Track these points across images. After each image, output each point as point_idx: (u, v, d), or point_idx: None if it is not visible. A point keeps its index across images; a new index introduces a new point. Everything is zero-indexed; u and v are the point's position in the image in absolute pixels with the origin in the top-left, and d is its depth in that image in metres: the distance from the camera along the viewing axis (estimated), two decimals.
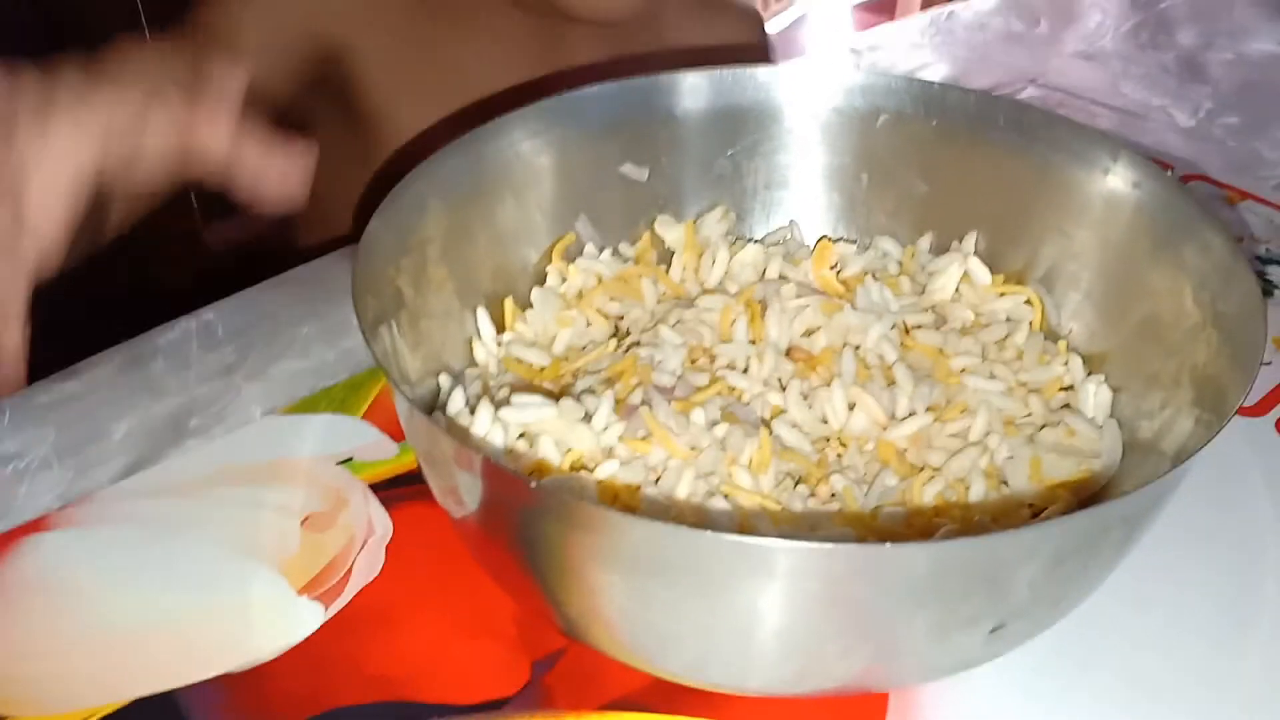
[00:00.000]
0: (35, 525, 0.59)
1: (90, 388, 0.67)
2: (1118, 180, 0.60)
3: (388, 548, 0.59)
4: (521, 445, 0.53)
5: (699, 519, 0.51)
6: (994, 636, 0.47)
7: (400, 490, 0.62)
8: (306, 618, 0.55)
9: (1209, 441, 0.47)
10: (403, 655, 0.54)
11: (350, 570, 0.57)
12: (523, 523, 0.47)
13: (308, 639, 0.55)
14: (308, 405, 0.67)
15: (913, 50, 1.15)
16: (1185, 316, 0.56)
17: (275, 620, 0.55)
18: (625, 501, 0.52)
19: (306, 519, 0.60)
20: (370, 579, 0.57)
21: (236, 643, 0.54)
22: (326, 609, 0.56)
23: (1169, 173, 0.59)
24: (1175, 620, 0.57)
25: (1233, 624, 0.58)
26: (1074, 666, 0.55)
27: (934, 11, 1.24)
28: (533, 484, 0.44)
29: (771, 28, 2.84)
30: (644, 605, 0.46)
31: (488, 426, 0.53)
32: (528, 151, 0.62)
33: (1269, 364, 0.73)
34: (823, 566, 0.43)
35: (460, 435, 0.53)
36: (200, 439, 0.65)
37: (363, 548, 0.59)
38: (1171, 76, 1.09)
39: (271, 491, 0.61)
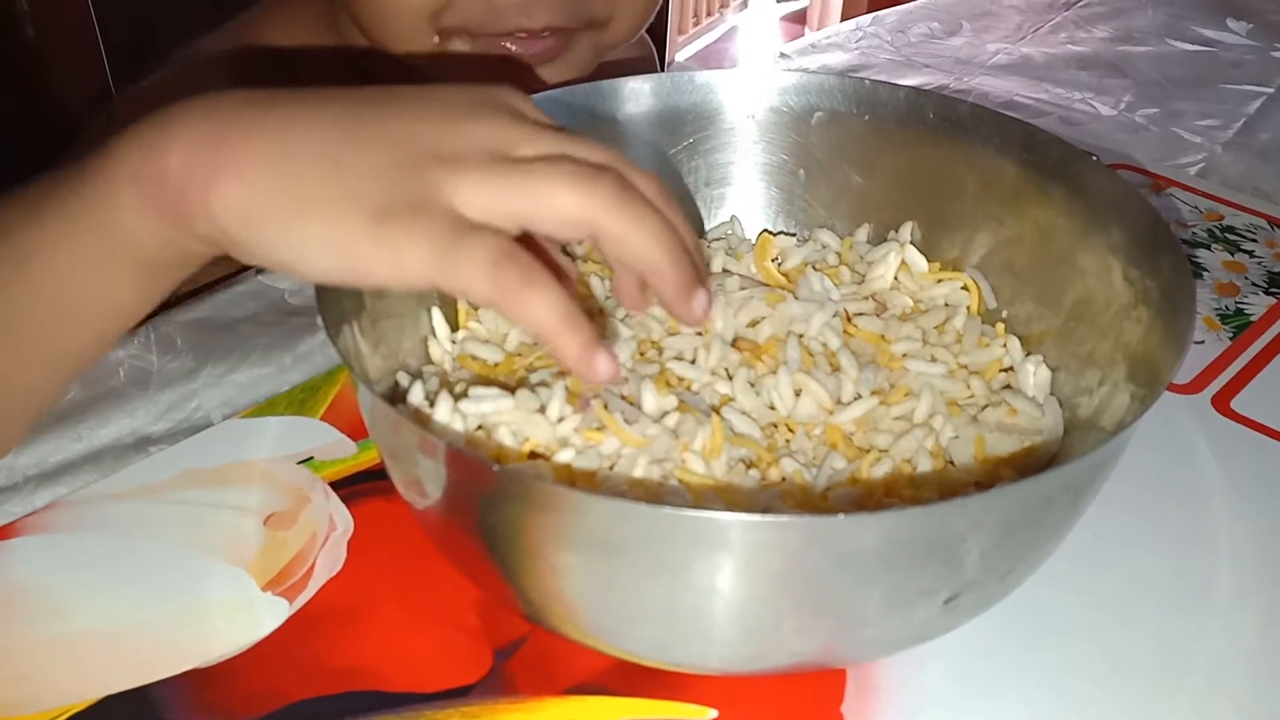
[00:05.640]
0: (4, 532, 0.60)
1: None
2: (1045, 167, 0.62)
3: (349, 543, 0.59)
4: (480, 436, 0.54)
5: (655, 499, 0.52)
6: (949, 608, 0.48)
7: (360, 487, 0.62)
8: (271, 613, 0.56)
9: (1144, 412, 0.48)
10: (366, 647, 0.55)
11: (313, 566, 0.58)
12: (485, 508, 0.48)
13: (273, 634, 0.55)
14: (267, 408, 0.67)
15: (840, 55, 1.18)
16: (1117, 295, 0.58)
17: (241, 616, 0.56)
18: (583, 486, 0.53)
19: (269, 517, 0.60)
20: (333, 574, 0.58)
21: (204, 639, 0.55)
22: (291, 604, 0.56)
23: (1093, 158, 0.61)
24: (1126, 602, 0.59)
25: (1182, 606, 0.59)
26: (1026, 647, 0.56)
27: (860, 19, 1.26)
28: (495, 467, 0.45)
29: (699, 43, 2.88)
30: (605, 585, 0.47)
31: (448, 417, 0.54)
32: None
33: (1201, 343, 0.75)
34: (779, 540, 0.44)
35: (423, 423, 0.54)
36: (164, 444, 0.65)
37: (325, 544, 0.59)
38: (1092, 71, 1.12)
39: (234, 492, 0.62)
